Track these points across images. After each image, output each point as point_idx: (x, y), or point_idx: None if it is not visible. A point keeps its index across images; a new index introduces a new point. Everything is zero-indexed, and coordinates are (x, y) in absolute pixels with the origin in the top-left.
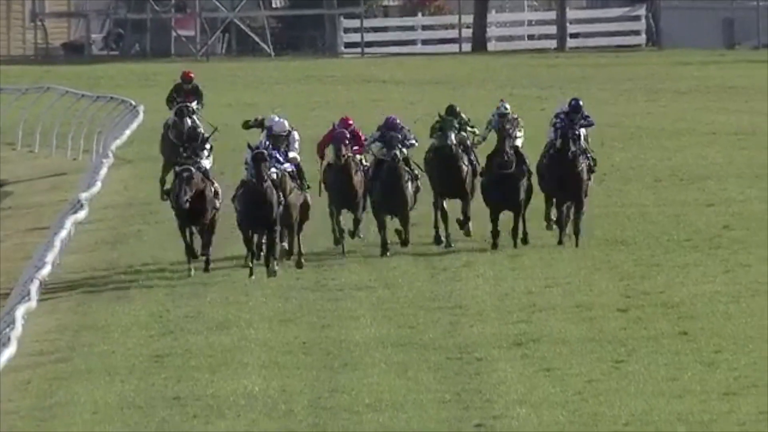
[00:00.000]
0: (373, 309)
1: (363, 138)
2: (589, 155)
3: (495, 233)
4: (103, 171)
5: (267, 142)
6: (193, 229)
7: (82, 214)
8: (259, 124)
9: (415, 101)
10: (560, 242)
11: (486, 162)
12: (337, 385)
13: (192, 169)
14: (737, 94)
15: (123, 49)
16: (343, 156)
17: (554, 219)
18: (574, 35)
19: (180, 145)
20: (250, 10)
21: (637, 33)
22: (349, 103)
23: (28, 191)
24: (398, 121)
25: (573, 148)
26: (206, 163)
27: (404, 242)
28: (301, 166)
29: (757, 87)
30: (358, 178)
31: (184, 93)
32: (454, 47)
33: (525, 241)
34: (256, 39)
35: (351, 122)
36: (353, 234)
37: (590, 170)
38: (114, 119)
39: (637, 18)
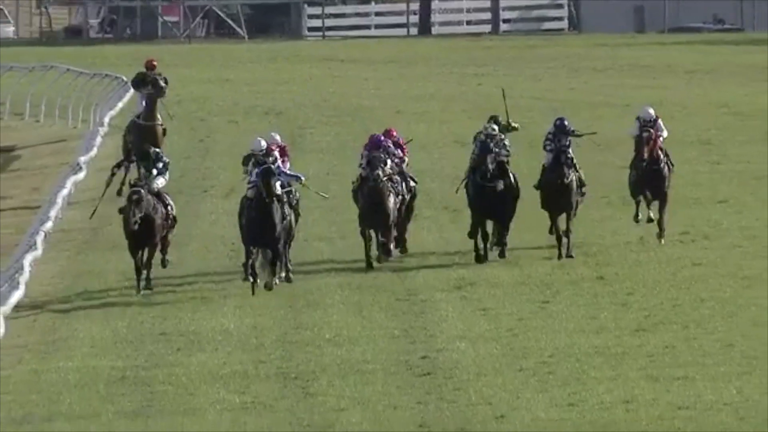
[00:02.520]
0: (332, 256)
1: (406, 149)
2: (579, 172)
3: (477, 244)
4: (99, 138)
5: (276, 158)
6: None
7: (81, 175)
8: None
9: (369, 77)
10: (560, 256)
11: (470, 173)
12: (301, 323)
13: (142, 191)
14: (647, 72)
15: (116, 32)
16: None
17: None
18: (506, 20)
19: (147, 132)
20: None
21: (560, 19)
22: (312, 78)
23: (34, 155)
24: (382, 139)
25: (566, 173)
26: (160, 181)
27: (386, 252)
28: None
29: (663, 65)
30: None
31: (149, 81)
32: (403, 31)
33: (502, 254)
34: (232, 24)
35: (395, 133)
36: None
37: (581, 184)
38: (108, 93)
39: (560, 6)
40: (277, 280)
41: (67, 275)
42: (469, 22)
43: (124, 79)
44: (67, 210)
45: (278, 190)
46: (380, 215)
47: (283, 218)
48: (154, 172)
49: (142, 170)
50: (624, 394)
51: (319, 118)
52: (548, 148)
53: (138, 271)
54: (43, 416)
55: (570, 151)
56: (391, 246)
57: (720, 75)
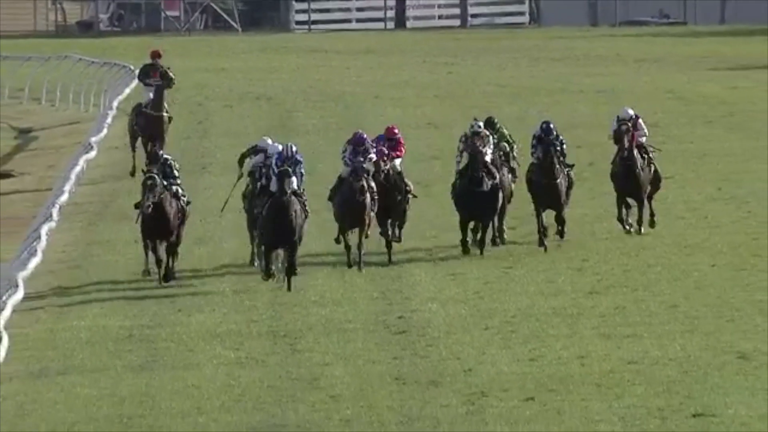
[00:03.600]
0: (318, 228)
1: (402, 145)
2: (567, 170)
3: (464, 242)
4: (108, 120)
5: (293, 148)
6: (158, 251)
7: (92, 154)
8: (253, 149)
9: (350, 66)
10: (543, 246)
11: (458, 177)
12: (290, 286)
13: (156, 177)
14: (600, 61)
15: (123, 26)
16: (382, 171)
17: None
18: (473, 15)
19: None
20: None
21: (522, 14)
22: (299, 67)
23: (50, 136)
24: (365, 136)
25: (556, 175)
26: (174, 186)
27: (359, 246)
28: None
29: (614, 55)
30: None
31: (152, 71)
32: (381, 25)
33: (481, 251)
34: (227, 18)
35: (396, 131)
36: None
37: (570, 183)
38: (116, 80)
39: (521, 2)
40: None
41: (80, 243)
42: (440, 17)
43: (131, 67)
44: (80, 185)
45: (294, 185)
46: (356, 214)
47: (306, 213)
48: (174, 177)
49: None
50: (579, 350)
51: (305, 102)
52: (535, 155)
53: (156, 260)
54: (59, 370)
55: (558, 149)
56: (363, 239)
57: (665, 64)
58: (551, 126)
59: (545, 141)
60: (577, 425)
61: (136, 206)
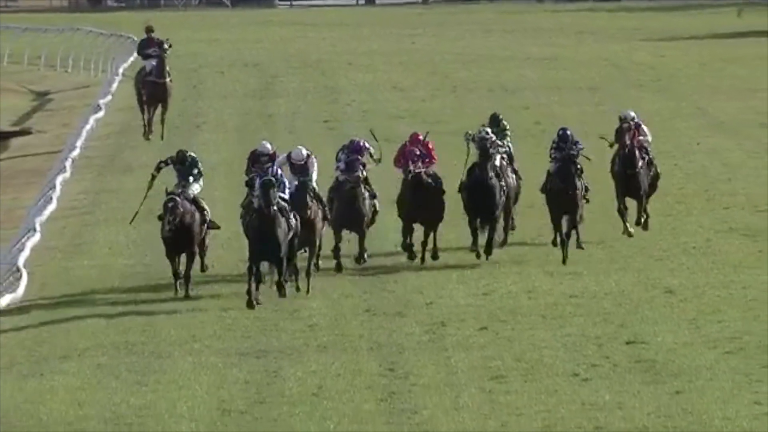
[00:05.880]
0: None
1: (432, 150)
2: (585, 182)
3: (475, 238)
4: (115, 84)
5: (278, 170)
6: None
7: (101, 114)
8: (252, 155)
9: (326, 37)
10: (564, 260)
11: (467, 174)
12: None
13: (177, 198)
14: (545, 33)
15: (128, 1)
16: (411, 172)
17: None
18: None
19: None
20: None
21: None
22: (282, 39)
23: (64, 98)
24: (362, 143)
25: (574, 184)
26: (195, 187)
27: (359, 257)
28: (316, 191)
29: (557, 28)
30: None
31: (150, 43)
32: (353, 1)
33: (488, 252)
34: None
35: (420, 137)
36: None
37: (585, 191)
38: (122, 50)
39: None
40: (288, 287)
41: (90, 192)
42: None
43: (135, 38)
44: (90, 141)
45: (282, 201)
46: (356, 218)
47: (290, 228)
48: (191, 179)
49: (178, 178)
50: (526, 286)
51: (287, 69)
52: (554, 155)
53: (175, 275)
54: (71, 302)
55: (578, 159)
56: (365, 255)
57: (602, 35)
58: (568, 133)
59: (562, 148)
60: (524, 351)
61: (160, 218)
